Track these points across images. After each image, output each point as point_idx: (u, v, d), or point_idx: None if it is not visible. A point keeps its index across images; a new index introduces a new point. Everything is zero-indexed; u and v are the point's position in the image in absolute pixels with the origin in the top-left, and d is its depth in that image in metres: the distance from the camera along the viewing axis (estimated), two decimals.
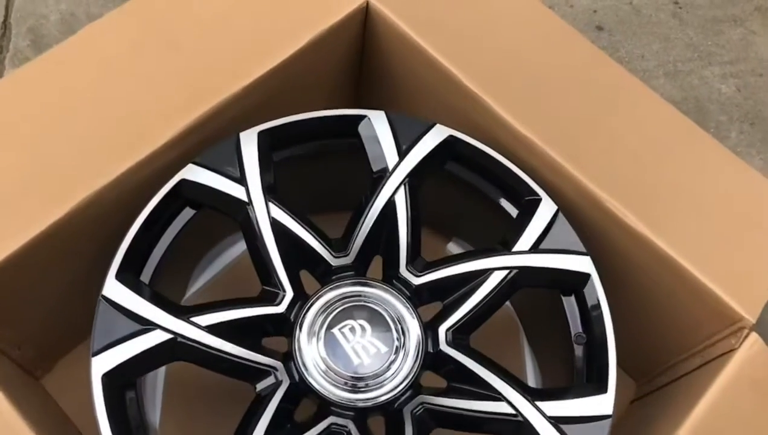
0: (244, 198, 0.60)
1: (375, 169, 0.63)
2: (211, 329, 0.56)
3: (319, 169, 0.70)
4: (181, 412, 0.72)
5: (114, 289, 0.56)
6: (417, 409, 0.57)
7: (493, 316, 0.62)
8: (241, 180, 0.61)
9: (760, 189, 0.65)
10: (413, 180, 0.63)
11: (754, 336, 0.57)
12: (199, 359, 0.56)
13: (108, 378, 0.53)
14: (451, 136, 0.64)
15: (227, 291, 0.77)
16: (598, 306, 0.60)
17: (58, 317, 0.65)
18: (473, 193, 0.67)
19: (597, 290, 0.60)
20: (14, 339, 0.62)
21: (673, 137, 0.68)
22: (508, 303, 0.79)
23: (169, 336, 0.55)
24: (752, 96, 0.95)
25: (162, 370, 0.74)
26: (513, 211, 0.65)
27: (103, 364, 0.53)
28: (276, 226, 0.60)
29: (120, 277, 0.56)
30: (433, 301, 0.62)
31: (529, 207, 0.63)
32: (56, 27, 0.93)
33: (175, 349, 0.55)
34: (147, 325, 0.55)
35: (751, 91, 0.95)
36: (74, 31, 0.90)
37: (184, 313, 0.56)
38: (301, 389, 0.57)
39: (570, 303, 0.63)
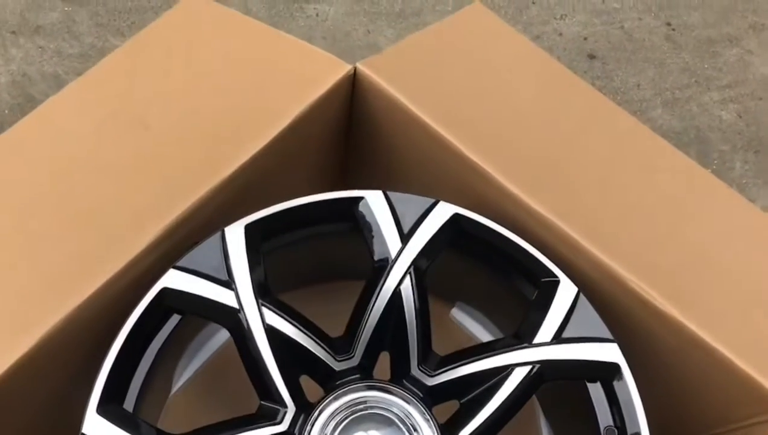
0: (234, 304, 0.54)
1: (376, 257, 0.58)
2: None
3: (313, 248, 0.64)
4: None
5: (95, 426, 0.50)
6: None
7: None
8: (229, 283, 0.54)
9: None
10: (419, 265, 0.57)
11: None
12: None
13: None
14: (456, 214, 0.59)
15: (214, 381, 0.71)
16: (629, 398, 0.55)
17: None
18: (482, 263, 0.62)
19: (628, 382, 0.55)
20: None
21: (689, 192, 0.64)
22: None
23: None
24: (754, 122, 0.91)
25: None
26: (528, 291, 0.59)
27: None
28: (271, 333, 0.54)
29: (101, 409, 0.50)
30: (449, 399, 0.57)
31: (547, 290, 0.58)
32: (7, 90, 0.85)
33: None
34: None
35: (753, 116, 0.91)
36: (28, 94, 0.83)
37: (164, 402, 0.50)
38: None
39: (597, 391, 0.58)
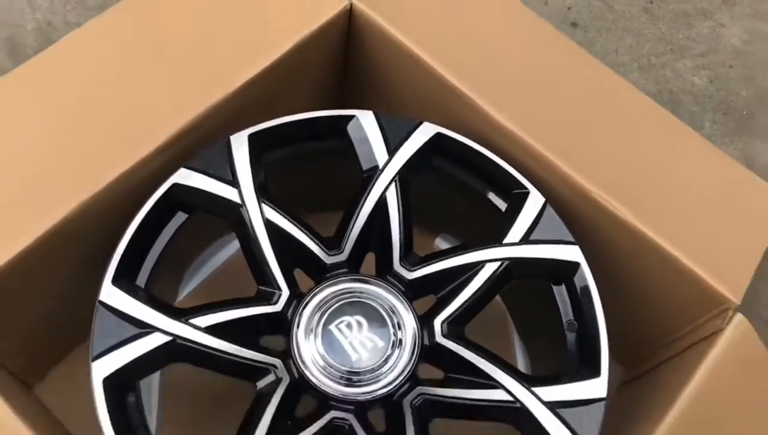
0: (237, 200, 0.61)
1: (365, 167, 0.64)
2: (210, 330, 0.56)
3: (309, 170, 0.70)
4: (180, 417, 0.72)
5: (111, 294, 0.56)
6: (416, 400, 0.58)
7: (483, 310, 0.63)
8: (233, 182, 0.61)
9: (737, 176, 0.67)
10: (403, 177, 0.64)
11: (739, 317, 0.59)
12: (199, 360, 0.57)
13: (109, 381, 0.53)
14: (438, 133, 0.66)
15: (220, 292, 0.77)
16: (588, 293, 0.61)
17: (50, 326, 0.65)
18: (461, 188, 0.69)
19: (587, 278, 0.61)
20: (6, 349, 0.62)
21: (653, 128, 0.70)
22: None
23: (168, 338, 0.55)
24: (724, 87, 0.98)
25: (156, 376, 0.74)
26: (501, 205, 0.66)
27: (103, 368, 0.54)
28: (270, 226, 0.60)
29: (116, 282, 0.57)
30: (426, 294, 0.63)
31: (517, 200, 0.64)
32: (33, 36, 0.93)
33: (175, 350, 0.56)
34: (146, 328, 0.55)
35: (723, 81, 0.98)
36: (52, 40, 0.90)
37: (182, 315, 0.56)
38: (301, 386, 0.57)
39: (560, 292, 0.64)
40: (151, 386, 0.70)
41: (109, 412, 0.53)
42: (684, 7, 1.03)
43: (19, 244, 0.55)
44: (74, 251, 0.59)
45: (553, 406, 0.56)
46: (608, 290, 0.62)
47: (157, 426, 0.71)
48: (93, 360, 0.54)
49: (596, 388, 0.57)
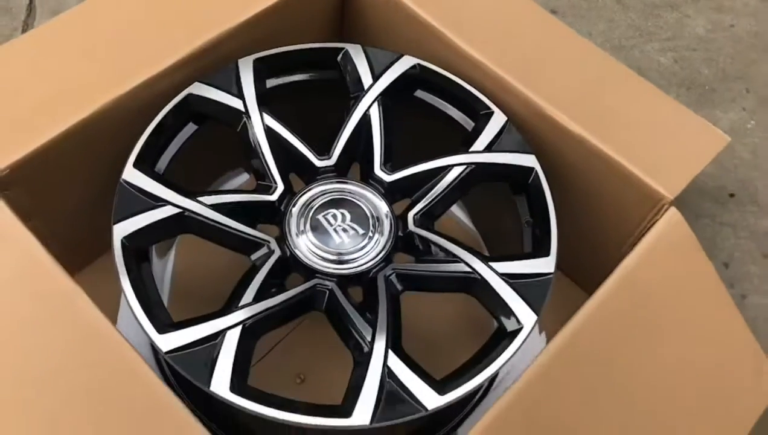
0: (242, 108, 0.71)
1: (352, 91, 0.75)
2: (214, 207, 0.66)
3: (308, 102, 0.80)
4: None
5: (132, 174, 0.66)
6: (389, 274, 0.66)
7: (456, 233, 0.72)
8: (240, 95, 0.72)
9: (678, 112, 0.77)
10: (385, 99, 0.74)
11: (673, 210, 0.67)
12: (203, 231, 0.66)
13: (127, 241, 0.63)
14: (417, 64, 0.76)
15: None
16: (542, 193, 0.70)
17: (82, 217, 0.74)
18: (436, 114, 0.78)
19: (541, 181, 0.71)
20: (42, 231, 0.71)
21: (606, 70, 0.81)
22: (467, 222, 0.90)
23: (177, 210, 0.65)
24: (688, 66, 1.08)
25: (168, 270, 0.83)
26: (470, 125, 0.76)
27: (122, 229, 0.63)
28: (268, 131, 0.71)
29: (137, 165, 0.67)
30: (404, 197, 0.72)
31: (483, 119, 0.74)
32: None
33: (184, 221, 0.65)
34: (160, 202, 0.65)
35: (687, 62, 1.08)
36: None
37: (192, 194, 0.66)
38: (289, 261, 0.66)
39: (521, 200, 0.73)
40: (164, 276, 0.80)
41: (127, 269, 0.62)
42: (653, 0, 1.14)
43: (58, 129, 0.66)
44: (103, 145, 0.69)
45: (507, 277, 0.65)
46: (563, 203, 0.71)
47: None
48: (114, 223, 0.63)
49: (545, 265, 0.66)
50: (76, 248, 0.76)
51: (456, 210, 0.91)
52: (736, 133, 1.02)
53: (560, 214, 0.70)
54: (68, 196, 0.72)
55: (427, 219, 0.70)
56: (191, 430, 0.55)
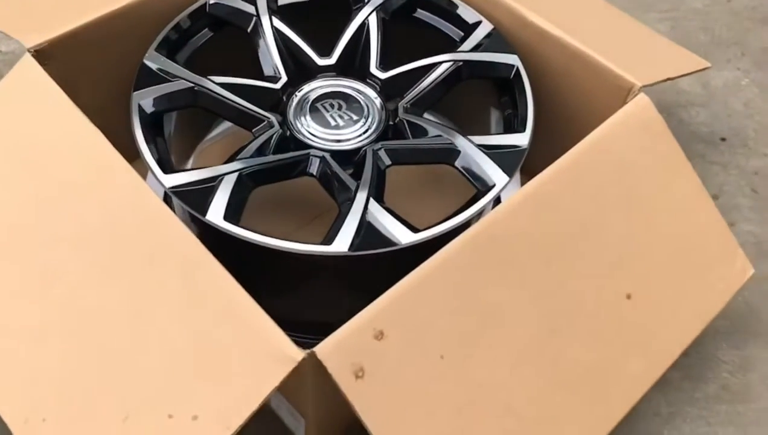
0: (253, 12, 0.80)
1: (354, 5, 0.83)
2: (222, 85, 0.74)
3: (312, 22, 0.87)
4: None
5: (152, 57, 0.75)
6: (378, 148, 0.72)
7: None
8: (252, 2, 0.80)
9: (656, 38, 0.83)
10: (384, 12, 0.82)
11: (642, 95, 0.72)
12: (212, 105, 0.73)
13: (144, 106, 0.71)
14: None
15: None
16: (522, 86, 0.76)
17: (114, 111, 0.81)
18: (432, 31, 0.84)
19: (522, 75, 0.77)
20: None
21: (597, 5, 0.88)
22: None
23: (190, 84, 0.73)
24: (683, 32, 1.14)
25: None
26: (459, 35, 0.83)
27: (140, 96, 0.71)
28: (277, 31, 0.79)
29: (158, 50, 0.75)
30: (396, 96, 0.79)
31: (472, 28, 0.81)
32: None
33: (195, 94, 0.73)
34: (174, 78, 0.73)
35: (683, 29, 1.14)
36: None
37: (204, 73, 0.74)
38: (289, 140, 0.73)
39: (504, 99, 0.79)
40: None
41: (142, 129, 0.70)
42: None
43: (92, 16, 0.75)
44: (131, 36, 0.77)
45: (483, 147, 0.70)
46: (542, 102, 0.77)
47: None
48: (133, 91, 0.71)
49: (521, 139, 0.71)
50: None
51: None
52: (729, 89, 1.07)
53: (538, 115, 0.75)
54: (98, 81, 0.80)
55: (416, 109, 0.76)
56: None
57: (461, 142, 0.71)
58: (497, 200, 0.70)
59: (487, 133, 0.83)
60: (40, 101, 0.69)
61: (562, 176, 0.66)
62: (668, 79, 0.77)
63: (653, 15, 1.16)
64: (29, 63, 0.70)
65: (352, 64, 0.80)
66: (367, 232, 0.64)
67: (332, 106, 0.76)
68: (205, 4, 0.80)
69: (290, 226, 0.86)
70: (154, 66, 0.74)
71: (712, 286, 0.71)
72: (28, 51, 0.71)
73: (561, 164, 0.67)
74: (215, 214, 0.64)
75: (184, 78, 0.73)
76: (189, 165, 0.91)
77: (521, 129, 0.72)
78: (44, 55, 0.73)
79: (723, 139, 1.01)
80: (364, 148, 0.72)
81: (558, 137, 0.80)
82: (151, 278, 0.58)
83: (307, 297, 0.73)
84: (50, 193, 0.64)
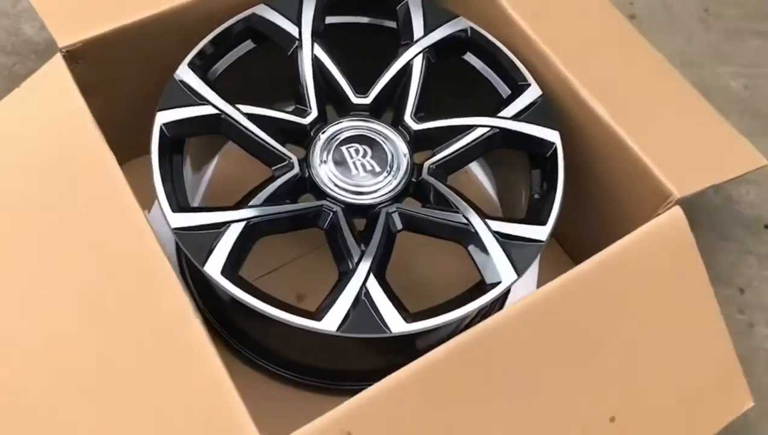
0: (296, 35, 0.76)
1: (403, 40, 0.79)
2: (249, 116, 0.72)
3: (361, 45, 0.84)
4: None
5: (185, 72, 0.73)
6: (392, 211, 0.70)
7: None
8: (297, 23, 0.77)
9: (721, 126, 0.78)
10: (431, 54, 0.78)
11: (677, 208, 0.69)
12: (234, 136, 0.72)
13: (166, 128, 0.70)
14: (470, 27, 0.80)
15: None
16: (556, 167, 0.73)
17: (137, 108, 0.81)
18: (479, 78, 0.81)
19: (558, 156, 0.73)
20: (100, 111, 0.79)
21: (655, 75, 0.82)
22: (491, 191, 0.93)
23: (216, 111, 0.71)
24: (758, 95, 1.07)
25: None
26: (506, 93, 0.79)
27: (164, 117, 0.70)
28: (315, 60, 0.76)
29: (191, 66, 0.73)
30: (428, 148, 0.76)
31: (519, 89, 0.77)
32: None
33: (219, 122, 0.71)
34: (203, 100, 0.71)
35: (758, 90, 1.07)
36: None
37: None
38: (306, 182, 0.71)
39: (536, 174, 0.76)
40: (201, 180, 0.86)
41: (159, 152, 0.69)
42: (740, 25, 1.13)
43: (131, 18, 0.73)
44: (169, 41, 0.75)
45: (499, 235, 0.68)
46: (576, 185, 0.74)
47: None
48: (158, 111, 0.70)
49: (539, 232, 0.68)
50: (126, 137, 0.83)
51: (482, 178, 0.94)
52: None
53: (571, 194, 0.72)
54: (128, 83, 0.79)
55: (442, 171, 0.73)
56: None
57: (478, 224, 0.68)
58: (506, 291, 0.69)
59: (516, 204, 0.80)
60: (56, 108, 0.68)
61: (573, 287, 0.64)
62: (713, 185, 0.73)
63: (729, 69, 1.09)
64: (57, 65, 0.69)
65: (387, 108, 0.77)
66: (359, 311, 0.63)
67: (357, 151, 0.73)
68: (249, 16, 0.77)
69: (304, 248, 0.85)
70: (184, 82, 0.72)
71: (703, 415, 0.69)
72: (60, 51, 0.70)
73: (576, 273, 0.64)
74: (214, 266, 0.63)
75: (211, 102, 0.71)
76: (213, 165, 0.90)
77: (544, 220, 0.69)
78: (76, 54, 0.71)
79: (766, 227, 0.96)
80: (378, 208, 0.70)
81: (583, 220, 0.77)
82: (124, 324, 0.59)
83: (297, 347, 0.74)
84: (39, 201, 0.64)
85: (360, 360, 0.77)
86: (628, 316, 0.67)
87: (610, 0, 0.88)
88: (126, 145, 0.83)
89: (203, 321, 0.59)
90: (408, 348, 0.71)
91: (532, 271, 0.77)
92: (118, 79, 0.78)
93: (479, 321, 0.62)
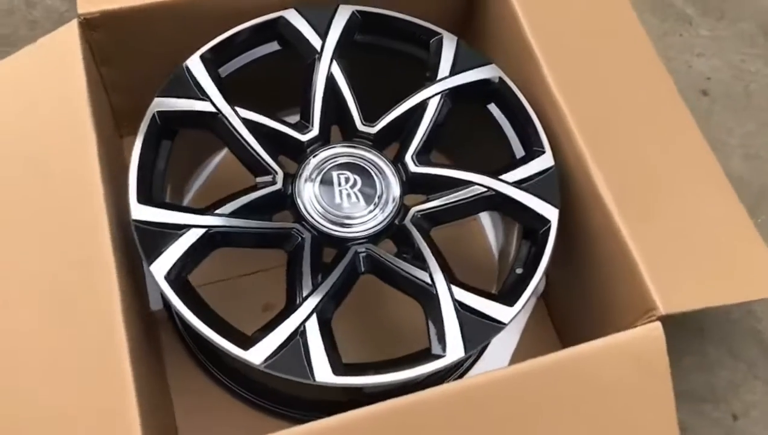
0: (318, 48, 0.73)
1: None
2: (245, 121, 0.70)
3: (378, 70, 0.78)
4: None
5: (194, 64, 0.71)
6: (361, 251, 0.66)
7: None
8: (323, 36, 0.74)
9: (741, 231, 0.71)
10: (450, 97, 0.74)
11: (657, 325, 0.63)
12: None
13: (159, 116, 0.69)
14: (499, 77, 0.75)
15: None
16: (544, 248, 0.68)
17: (146, 86, 0.80)
18: (496, 131, 0.77)
19: (549, 239, 0.68)
20: (114, 80, 0.79)
21: (690, 168, 0.75)
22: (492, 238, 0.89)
23: (214, 110, 0.70)
24: None
25: None
26: (520, 154, 0.74)
27: (160, 103, 0.69)
28: (329, 78, 0.73)
29: (202, 58, 0.72)
30: (422, 193, 0.71)
31: (533, 154, 0.72)
32: None
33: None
34: (204, 97, 0.70)
35: None
36: None
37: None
38: (286, 199, 0.68)
39: (525, 244, 0.71)
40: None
41: (146, 136, 0.68)
42: None
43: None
44: (191, 28, 0.73)
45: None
46: (571, 260, 0.69)
47: None
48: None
49: (503, 313, 0.64)
50: (132, 111, 0.82)
51: (488, 224, 0.90)
52: None
53: (562, 268, 0.69)
54: (142, 60, 0.78)
55: (426, 221, 0.70)
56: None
57: (441, 287, 0.64)
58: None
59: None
60: (56, 72, 0.68)
61: (530, 379, 0.60)
62: (707, 307, 0.66)
63: None
64: (71, 30, 0.70)
65: (392, 141, 0.74)
66: (289, 350, 0.61)
67: (347, 180, 0.70)
68: (277, 19, 0.75)
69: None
70: (191, 73, 0.71)
71: None
72: (78, 18, 0.70)
73: (538, 364, 0.61)
74: (160, 268, 0.62)
75: (211, 100, 0.70)
76: (218, 158, 0.89)
77: (512, 302, 0.65)
78: (93, 23, 0.71)
79: None
80: (350, 244, 0.67)
81: (570, 296, 0.72)
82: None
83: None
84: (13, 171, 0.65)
85: (301, 391, 0.74)
86: (578, 422, 0.62)
87: (686, 72, 0.80)
88: (139, 116, 0.83)
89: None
90: (352, 391, 0.68)
91: (516, 330, 0.73)
92: (136, 51, 0.77)
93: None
